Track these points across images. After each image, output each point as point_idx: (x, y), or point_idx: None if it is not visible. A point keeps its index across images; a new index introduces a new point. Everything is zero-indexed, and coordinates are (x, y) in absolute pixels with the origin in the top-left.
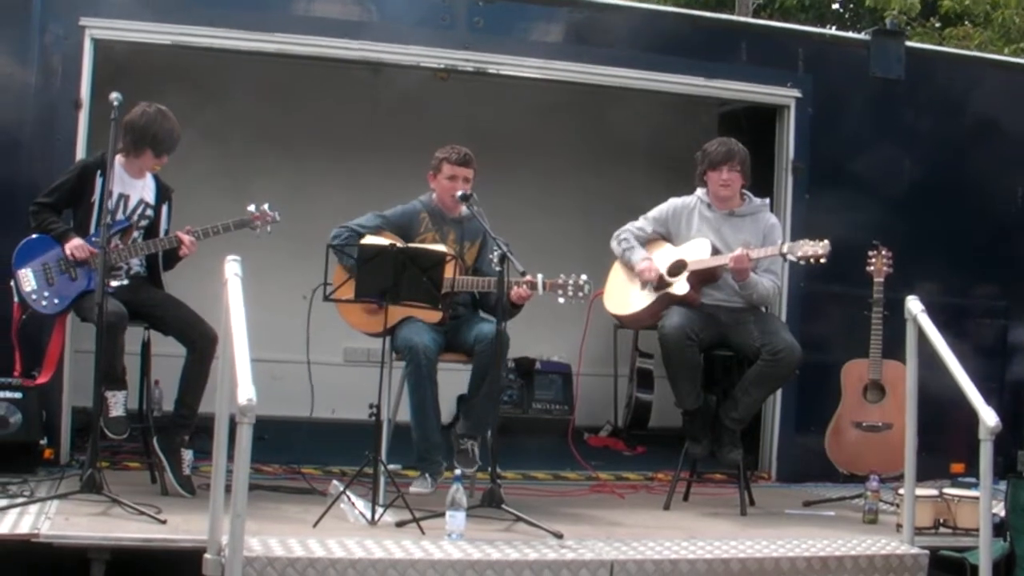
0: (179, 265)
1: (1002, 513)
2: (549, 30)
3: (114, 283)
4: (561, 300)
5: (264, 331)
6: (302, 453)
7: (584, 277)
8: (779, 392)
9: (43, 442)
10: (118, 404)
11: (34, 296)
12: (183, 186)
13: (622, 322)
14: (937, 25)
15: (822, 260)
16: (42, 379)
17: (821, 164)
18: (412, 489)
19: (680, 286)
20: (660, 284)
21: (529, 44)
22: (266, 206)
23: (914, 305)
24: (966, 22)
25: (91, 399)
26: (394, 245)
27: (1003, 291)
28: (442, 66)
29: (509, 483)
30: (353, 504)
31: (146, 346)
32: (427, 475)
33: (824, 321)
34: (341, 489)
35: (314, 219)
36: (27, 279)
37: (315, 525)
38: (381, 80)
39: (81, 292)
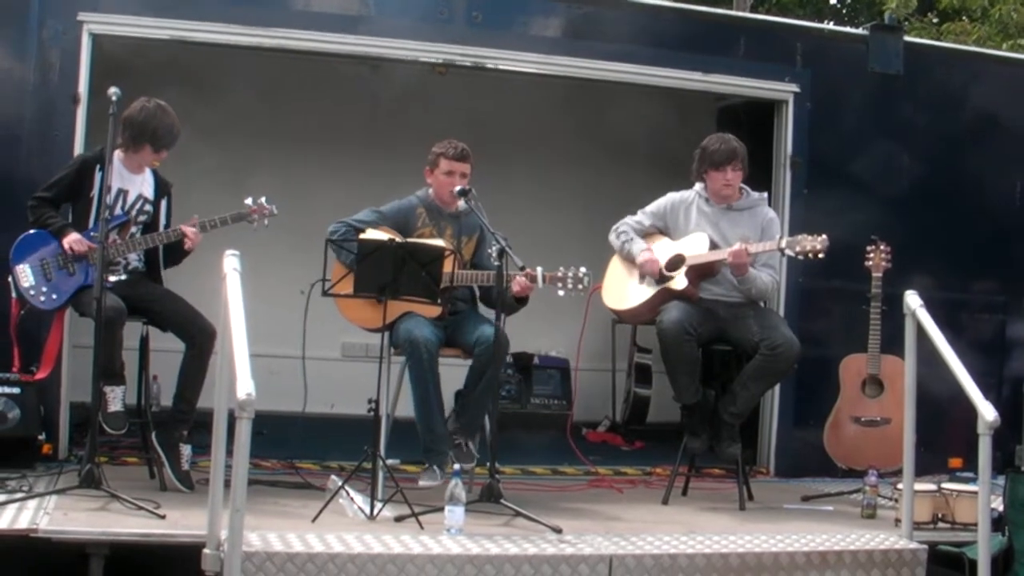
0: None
1: (1000, 508)
2: (547, 25)
3: (112, 278)
4: (561, 293)
5: (262, 326)
6: (300, 448)
7: (583, 270)
8: (778, 387)
9: (41, 437)
10: (116, 399)
11: (32, 291)
12: (182, 181)
13: (620, 317)
14: (935, 20)
15: (820, 255)
16: (40, 374)
17: (819, 159)
18: (421, 483)
19: (679, 281)
20: (659, 279)
21: (527, 39)
22: (263, 200)
23: (913, 300)
24: (964, 17)
25: (90, 394)
26: (393, 240)
27: (1002, 286)
28: (440, 61)
29: (508, 478)
30: (352, 499)
31: (144, 341)
32: (435, 467)
33: (823, 316)
34: (340, 484)
35: (312, 214)
36: (25, 274)
37: (314, 520)
38: (379, 75)
39: (79, 287)
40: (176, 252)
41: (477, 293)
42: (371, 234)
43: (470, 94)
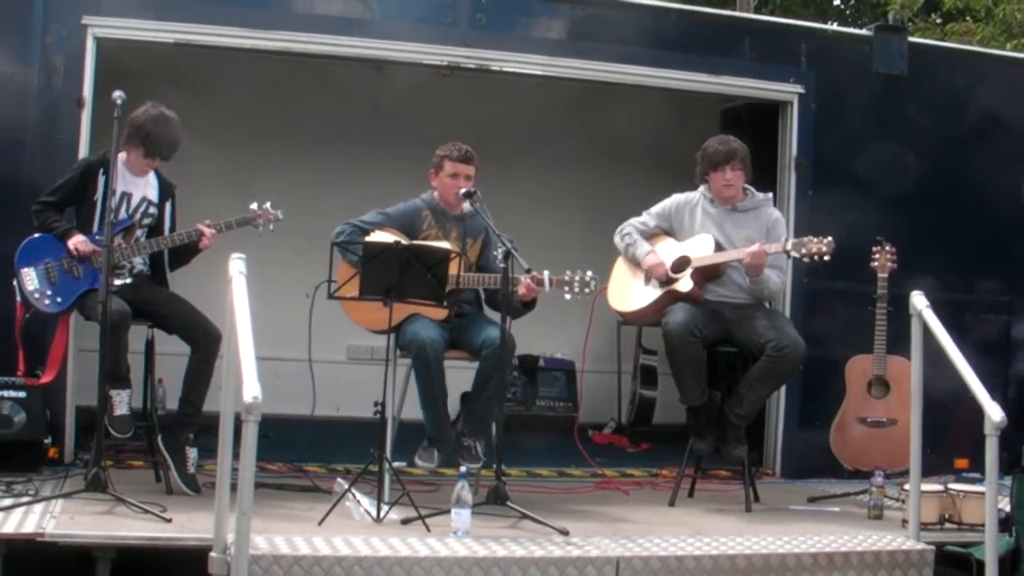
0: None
1: (1007, 508)
2: (551, 27)
3: (117, 281)
4: (568, 297)
5: (267, 329)
6: (306, 451)
7: (590, 273)
8: (783, 388)
9: (47, 441)
10: (122, 403)
11: (37, 295)
12: (186, 184)
13: (626, 318)
14: (938, 21)
15: (826, 257)
16: (46, 378)
17: (824, 160)
18: (417, 461)
19: (684, 283)
20: (664, 281)
21: (531, 41)
22: (268, 204)
23: (919, 301)
24: (968, 18)
25: (95, 398)
26: (399, 242)
27: (1007, 286)
28: (444, 63)
29: (514, 480)
30: (358, 502)
31: (150, 344)
32: (435, 451)
33: (828, 317)
34: (346, 487)
35: (317, 216)
36: (30, 278)
37: (320, 523)
38: (383, 77)
39: (84, 291)
40: (187, 252)
41: (482, 296)
42: (377, 236)
43: (474, 96)
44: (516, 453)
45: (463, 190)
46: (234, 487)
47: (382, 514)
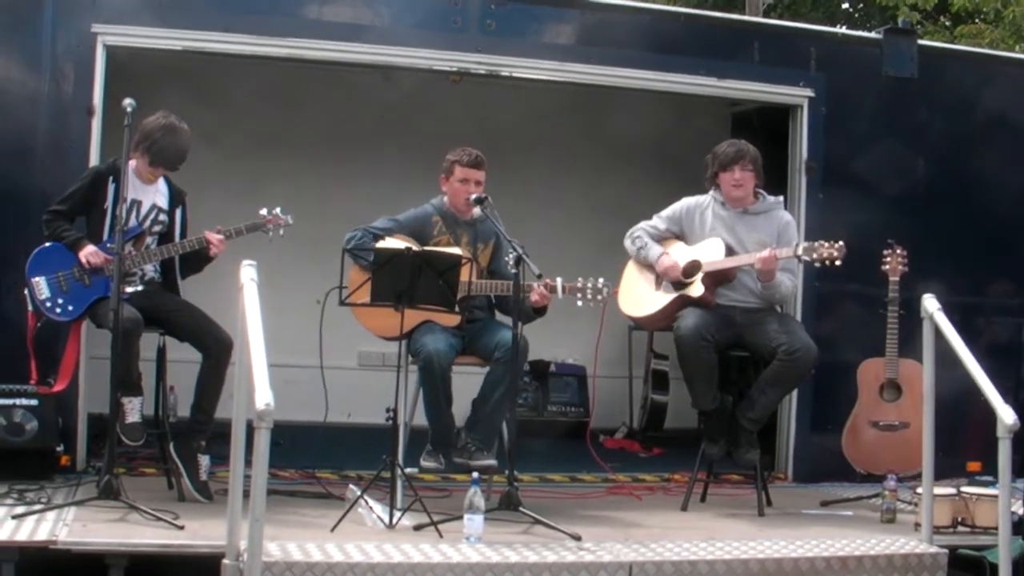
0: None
1: (1020, 511)
2: (561, 32)
3: (129, 289)
4: (579, 303)
5: (278, 335)
6: (318, 458)
7: (602, 280)
8: (795, 392)
9: (59, 449)
10: (134, 410)
11: (48, 304)
12: (195, 190)
13: (637, 323)
14: (947, 24)
15: (837, 262)
16: (58, 386)
17: (834, 163)
18: (424, 463)
19: (695, 288)
20: (676, 285)
21: (541, 46)
22: (278, 210)
23: (930, 303)
24: (977, 20)
25: (107, 405)
26: (410, 248)
27: (1018, 289)
28: (454, 69)
29: (526, 486)
30: (371, 508)
31: (161, 352)
32: (440, 455)
33: (840, 320)
34: (358, 493)
35: (327, 222)
36: (41, 287)
37: (333, 529)
38: (392, 83)
39: (96, 299)
40: (198, 260)
41: (493, 301)
42: (388, 242)
43: (483, 101)
44: (528, 458)
45: (473, 196)
46: (246, 494)
47: (395, 520)
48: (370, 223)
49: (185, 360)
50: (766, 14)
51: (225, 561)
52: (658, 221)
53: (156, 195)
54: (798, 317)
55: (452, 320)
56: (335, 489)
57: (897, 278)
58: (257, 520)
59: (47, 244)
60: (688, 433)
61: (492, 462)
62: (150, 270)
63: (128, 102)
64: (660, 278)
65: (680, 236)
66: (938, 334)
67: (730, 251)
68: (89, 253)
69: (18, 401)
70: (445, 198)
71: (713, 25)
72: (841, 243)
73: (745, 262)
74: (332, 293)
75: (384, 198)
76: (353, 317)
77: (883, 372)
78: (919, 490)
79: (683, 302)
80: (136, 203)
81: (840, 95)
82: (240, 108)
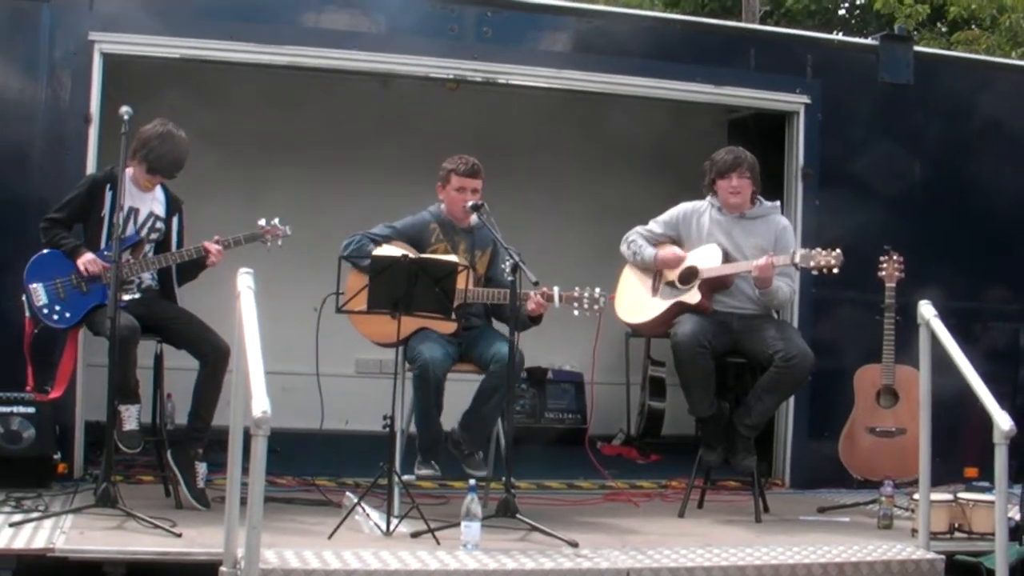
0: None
1: (1017, 517)
2: (558, 39)
3: (126, 297)
4: (576, 313)
5: (275, 342)
6: (316, 465)
7: (599, 290)
8: (792, 398)
9: (57, 456)
10: (131, 418)
11: (45, 311)
12: (193, 197)
13: (634, 329)
14: (944, 30)
15: (835, 270)
16: (55, 393)
17: (831, 170)
18: (418, 472)
19: (692, 294)
20: (672, 290)
21: (538, 53)
22: (276, 220)
23: (927, 310)
24: (973, 26)
25: (104, 413)
26: (407, 256)
27: (1015, 295)
28: (451, 76)
29: (523, 493)
30: (368, 515)
31: (159, 359)
32: (432, 463)
33: (836, 327)
34: (355, 501)
35: (325, 230)
36: (38, 294)
37: (330, 537)
38: (390, 90)
39: (93, 306)
40: (195, 267)
41: (489, 308)
42: (385, 249)
43: (480, 108)
44: (525, 465)
45: (470, 203)
46: (244, 501)
47: (392, 527)
48: (368, 229)
49: (183, 368)
50: (763, 21)
51: (222, 569)
52: (654, 225)
53: (153, 203)
54: (795, 323)
55: (449, 327)
56: (332, 496)
57: (893, 284)
58: (254, 528)
59: (45, 251)
60: (685, 440)
61: (484, 472)
62: (147, 278)
63: (125, 110)
64: (657, 283)
65: (677, 241)
66: (935, 340)
67: (727, 256)
68: (87, 261)
69: (15, 408)
70: (442, 206)
71: (710, 32)
72: (838, 251)
73: (742, 269)
74: (329, 300)
75: (382, 205)
76: (350, 324)
77: (880, 378)
78: (916, 496)
79: (680, 308)
80: (133, 211)
81: (836, 101)
82: (238, 114)
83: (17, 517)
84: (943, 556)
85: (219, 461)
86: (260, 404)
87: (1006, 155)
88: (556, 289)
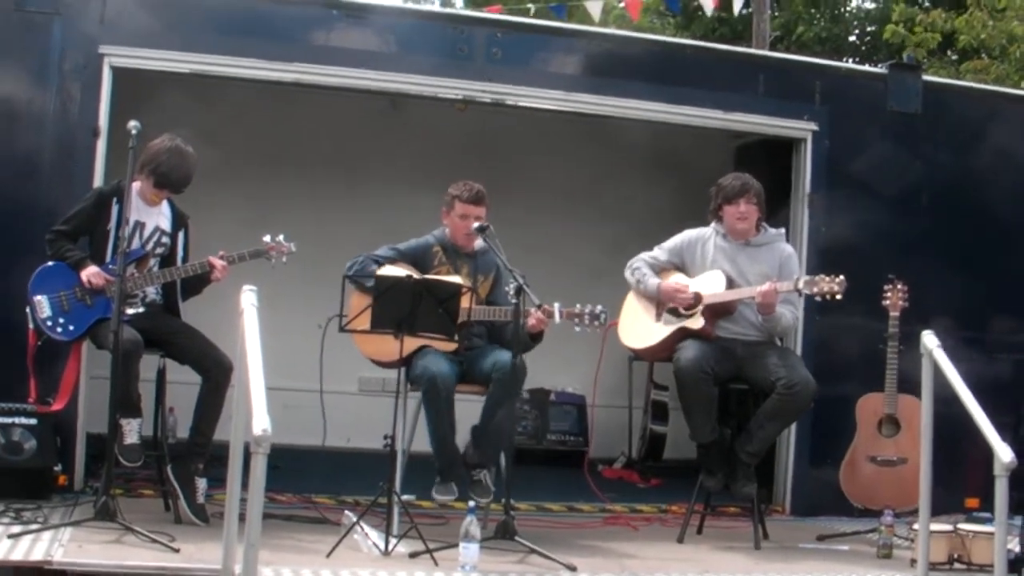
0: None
1: (1017, 549)
2: (567, 62)
3: (130, 311)
4: (577, 329)
5: (279, 359)
6: (316, 482)
7: (600, 307)
8: (794, 426)
9: (57, 468)
10: (133, 431)
11: (49, 323)
12: (199, 213)
13: (637, 354)
14: (954, 58)
15: (838, 296)
16: (57, 405)
17: (838, 197)
18: (436, 496)
19: (696, 320)
20: (676, 317)
21: (547, 75)
22: (281, 237)
23: (929, 340)
24: (983, 55)
25: (106, 426)
26: (410, 276)
27: (1021, 325)
28: (460, 97)
29: (523, 515)
30: (367, 534)
31: (161, 374)
32: (451, 483)
33: (839, 355)
34: (354, 519)
35: (330, 247)
36: (42, 306)
37: (328, 555)
38: (398, 110)
39: (96, 319)
40: (199, 282)
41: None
42: (388, 271)
43: (488, 128)
44: (526, 487)
45: (475, 225)
46: (242, 518)
47: (390, 547)
48: (372, 251)
49: (185, 382)
50: (773, 47)
51: None
52: (659, 252)
53: (159, 217)
54: (798, 351)
55: (450, 346)
56: (332, 515)
57: (897, 313)
58: (252, 546)
59: (50, 263)
60: (687, 464)
61: (489, 498)
62: (152, 292)
63: (133, 124)
64: (660, 309)
65: (681, 268)
66: (937, 370)
67: (731, 283)
68: (91, 274)
69: (17, 420)
70: (447, 230)
71: (719, 57)
72: (842, 277)
73: (746, 295)
74: (334, 319)
75: (388, 223)
76: (353, 343)
77: (882, 407)
78: (916, 526)
79: (683, 334)
80: (139, 225)
81: (844, 129)
82: (245, 131)
83: (16, 528)
84: None
85: (219, 476)
86: (260, 422)
87: (1014, 184)
88: (557, 305)
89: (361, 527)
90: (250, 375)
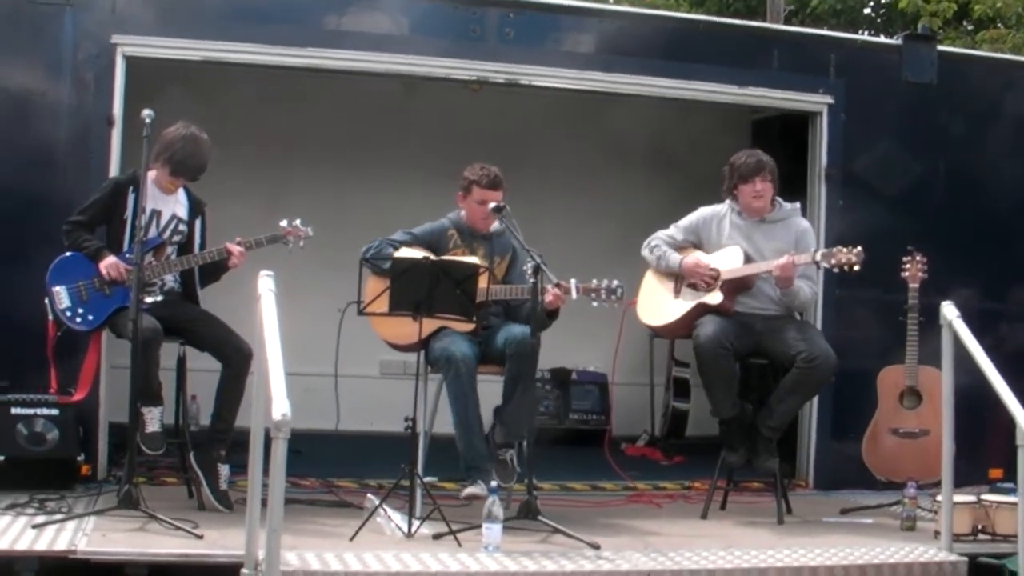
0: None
1: None
2: (580, 40)
3: (148, 299)
4: (595, 304)
5: (300, 343)
6: (339, 466)
7: (616, 282)
8: (815, 399)
9: (80, 458)
10: (154, 420)
11: (68, 313)
12: (215, 199)
13: (656, 332)
14: (969, 28)
15: (856, 267)
16: (78, 396)
17: (854, 170)
18: (467, 491)
19: (714, 295)
20: (695, 292)
21: (560, 54)
22: (298, 221)
23: (949, 311)
24: (999, 24)
25: (127, 415)
26: (427, 258)
27: None
28: (474, 78)
29: (546, 494)
30: (389, 517)
31: (181, 361)
32: (479, 481)
33: (860, 327)
34: (377, 502)
35: (347, 231)
36: (61, 296)
37: (352, 539)
38: (412, 92)
39: (115, 309)
40: (217, 269)
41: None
42: (404, 253)
43: (503, 109)
44: (549, 466)
45: (492, 204)
46: (265, 503)
47: (413, 529)
48: (388, 235)
49: (206, 369)
50: (787, 20)
51: (243, 571)
52: (675, 231)
53: (176, 205)
54: (818, 324)
55: (468, 327)
56: (355, 498)
57: (917, 285)
58: (275, 530)
59: (67, 254)
60: (710, 441)
61: (513, 481)
62: (170, 280)
63: (147, 113)
64: (679, 286)
65: (697, 246)
66: (957, 341)
67: (748, 260)
68: (109, 265)
69: (39, 411)
70: (462, 212)
71: (732, 32)
72: (859, 248)
73: (764, 269)
74: (352, 303)
75: (403, 206)
76: (371, 326)
77: (903, 379)
78: (939, 498)
79: (702, 310)
80: (156, 213)
81: (860, 101)
82: (260, 116)
83: (40, 519)
84: (966, 558)
85: (242, 463)
86: (280, 407)
87: None
88: (573, 281)
89: (384, 510)
90: (269, 360)
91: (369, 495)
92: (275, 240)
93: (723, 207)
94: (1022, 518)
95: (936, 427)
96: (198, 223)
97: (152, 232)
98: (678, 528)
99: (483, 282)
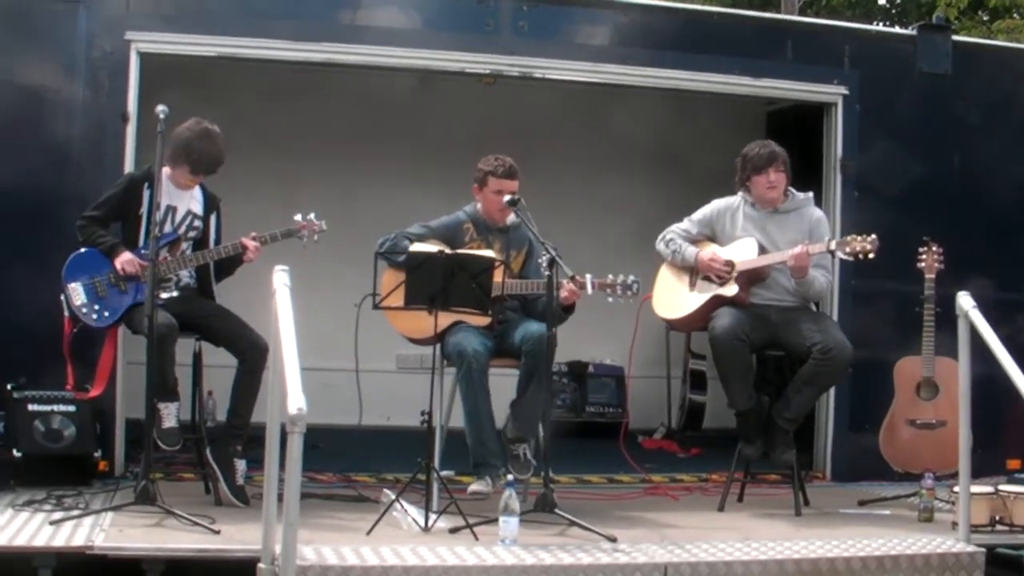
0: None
1: None
2: (594, 32)
3: (164, 295)
4: (610, 300)
5: (314, 339)
6: (356, 461)
7: (632, 277)
8: (832, 391)
9: (97, 454)
10: (170, 415)
11: (84, 309)
12: (229, 195)
13: (672, 325)
14: (985, 18)
15: (871, 255)
16: (95, 392)
17: (870, 161)
18: (471, 488)
19: (729, 287)
20: (710, 284)
21: (574, 47)
22: (312, 216)
23: (965, 301)
24: (1015, 14)
25: (144, 411)
26: (443, 251)
27: None
28: (488, 71)
29: (562, 487)
30: (406, 511)
31: (197, 357)
32: (487, 477)
33: (876, 318)
34: (393, 497)
35: (361, 225)
36: (77, 293)
37: (368, 533)
38: (426, 86)
39: (131, 305)
40: (231, 264)
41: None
42: (419, 247)
43: (516, 103)
44: (565, 459)
45: (507, 198)
46: (282, 498)
47: (430, 523)
48: (403, 228)
49: (223, 365)
50: (802, 12)
51: (260, 565)
52: (689, 224)
53: (191, 201)
54: (834, 315)
55: (483, 321)
56: (372, 493)
57: (933, 275)
58: (291, 525)
59: (83, 250)
60: (726, 433)
61: (528, 474)
62: (185, 276)
63: (161, 108)
64: (694, 278)
65: (712, 238)
66: (974, 332)
67: (762, 251)
68: (124, 261)
69: (56, 407)
70: (478, 205)
71: (747, 24)
72: (874, 236)
73: (778, 259)
74: (369, 296)
75: (417, 200)
76: (386, 319)
77: (920, 370)
78: (956, 489)
79: (718, 302)
80: (171, 209)
81: (875, 92)
82: (274, 111)
83: (57, 515)
84: (983, 549)
85: (258, 458)
86: (296, 401)
87: None
88: (588, 277)
89: (400, 504)
90: (284, 355)
91: (386, 489)
92: (290, 234)
93: (736, 199)
94: None
95: (953, 418)
96: (213, 219)
97: (167, 228)
98: (695, 520)
99: (499, 276)
